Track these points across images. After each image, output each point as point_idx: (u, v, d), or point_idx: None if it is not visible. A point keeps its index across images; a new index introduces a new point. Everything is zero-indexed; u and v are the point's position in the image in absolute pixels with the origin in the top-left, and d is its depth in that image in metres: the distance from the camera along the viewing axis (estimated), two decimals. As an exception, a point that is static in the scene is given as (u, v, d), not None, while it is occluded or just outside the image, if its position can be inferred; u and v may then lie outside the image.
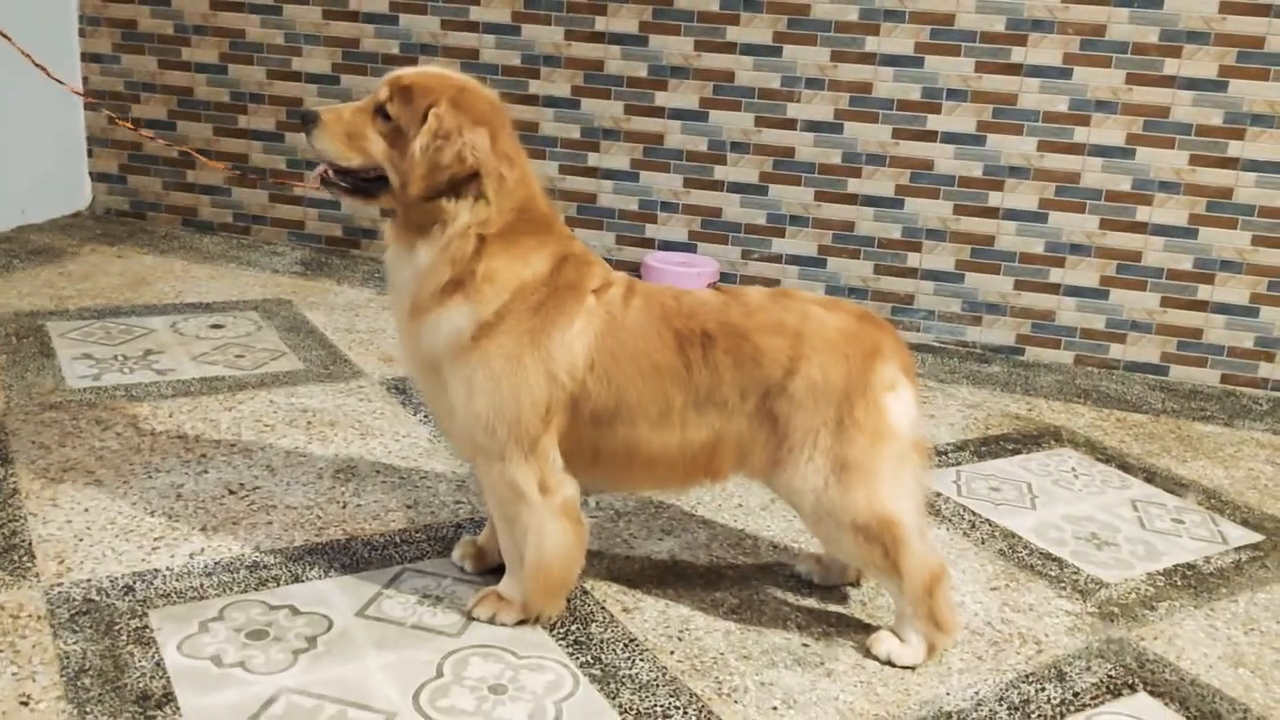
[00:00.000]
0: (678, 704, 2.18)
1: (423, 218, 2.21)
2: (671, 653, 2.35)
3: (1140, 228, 4.40)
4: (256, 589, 2.44)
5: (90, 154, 5.42)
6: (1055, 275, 4.52)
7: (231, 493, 2.86)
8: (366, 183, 2.26)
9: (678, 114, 4.72)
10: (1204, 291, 4.40)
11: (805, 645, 2.43)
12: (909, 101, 4.49)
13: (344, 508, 2.84)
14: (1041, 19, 4.28)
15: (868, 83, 4.51)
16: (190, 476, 2.92)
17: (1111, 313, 4.50)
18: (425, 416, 3.43)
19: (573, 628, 2.40)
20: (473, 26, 4.85)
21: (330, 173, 2.26)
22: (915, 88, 4.47)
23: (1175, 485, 3.45)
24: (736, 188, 4.73)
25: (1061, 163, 4.41)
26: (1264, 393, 4.40)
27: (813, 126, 4.60)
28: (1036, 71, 4.34)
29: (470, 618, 2.39)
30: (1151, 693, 2.36)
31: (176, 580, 2.44)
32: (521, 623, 2.38)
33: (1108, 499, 3.32)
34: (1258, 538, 3.14)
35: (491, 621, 2.37)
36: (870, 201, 4.60)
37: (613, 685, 2.21)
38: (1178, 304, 4.43)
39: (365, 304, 4.53)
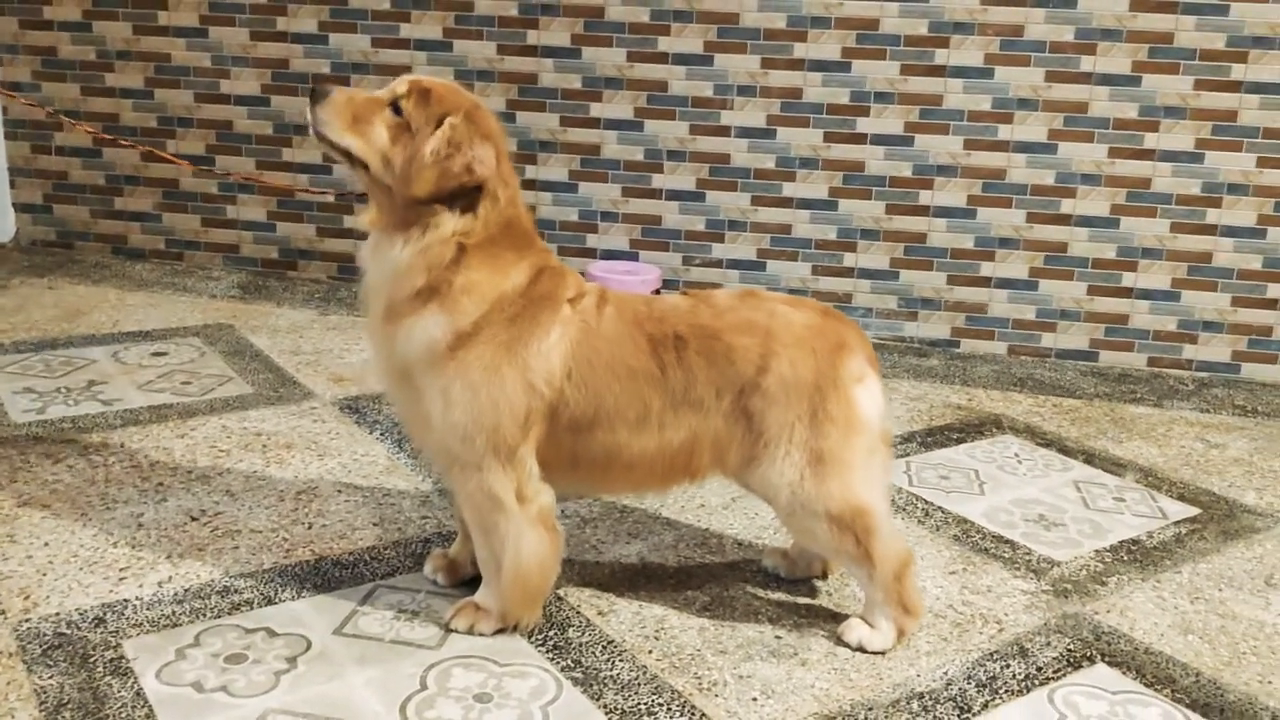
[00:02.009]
0: (660, 701, 2.22)
1: (409, 215, 2.23)
2: (649, 652, 2.39)
3: (1065, 220, 4.56)
4: (230, 613, 2.43)
5: (13, 185, 5.30)
6: (986, 269, 4.66)
7: (194, 519, 2.84)
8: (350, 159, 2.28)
9: (613, 124, 4.78)
10: (1128, 279, 4.57)
11: (778, 637, 2.49)
12: (839, 105, 4.60)
13: (309, 528, 2.83)
14: (962, 21, 4.42)
15: (798, 88, 4.61)
16: (149, 505, 2.89)
17: (1041, 303, 4.65)
18: (382, 434, 3.44)
19: (550, 633, 2.43)
20: (404, 44, 4.85)
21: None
22: (844, 92, 4.58)
23: (1113, 465, 3.59)
24: (675, 195, 4.80)
25: (987, 160, 4.55)
26: (1188, 373, 4.58)
27: (746, 133, 4.69)
28: (960, 72, 4.48)
29: (449, 629, 2.40)
30: (1109, 663, 2.46)
31: (147, 609, 2.42)
32: (500, 632, 2.40)
33: (1051, 482, 3.44)
34: (1194, 511, 3.28)
35: (470, 632, 2.39)
36: (805, 205, 4.70)
37: (595, 687, 2.25)
38: (1104, 292, 4.60)
39: (308, 325, 4.50)
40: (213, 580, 2.55)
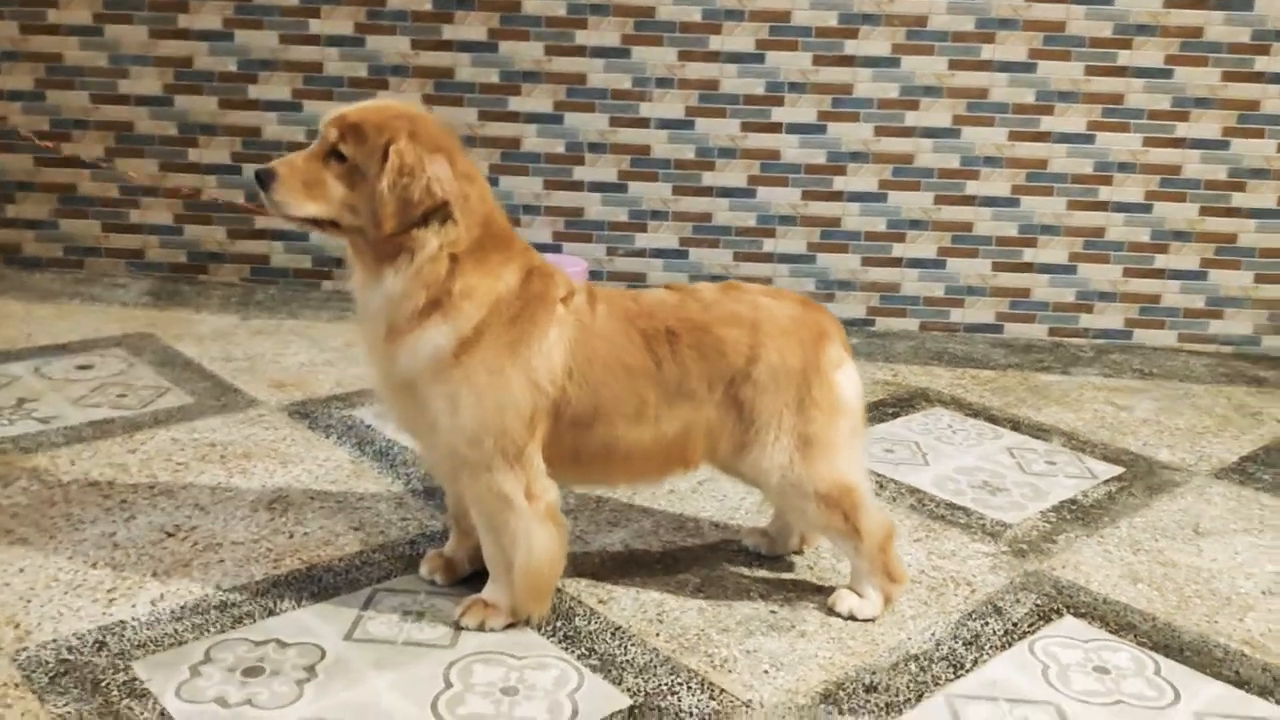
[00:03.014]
0: (679, 680, 2.30)
1: (390, 248, 2.24)
2: (657, 634, 2.47)
3: (970, 201, 4.80)
4: (234, 627, 2.40)
5: (-109, 194, 5.01)
6: (898, 250, 4.87)
7: (169, 535, 2.78)
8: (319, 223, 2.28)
9: (533, 118, 4.80)
10: (1029, 254, 4.85)
11: (773, 612, 2.60)
12: (754, 96, 4.73)
13: (291, 538, 2.81)
14: (870, 13, 4.61)
15: (715, 80, 4.72)
16: (119, 524, 2.82)
17: (950, 280, 4.89)
18: (339, 439, 3.41)
19: (558, 625, 2.48)
20: (314, 40, 4.77)
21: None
22: (759, 83, 4.71)
23: (1039, 431, 3.83)
24: (597, 187, 4.86)
25: (896, 145, 4.75)
26: (1087, 341, 4.89)
27: (666, 124, 4.78)
28: (869, 62, 4.66)
29: (459, 627, 2.44)
30: (1075, 614, 2.66)
31: (147, 629, 2.38)
32: (510, 626, 2.45)
33: (986, 449, 3.65)
34: (1119, 470, 3.54)
35: (481, 629, 2.43)
36: (725, 193, 4.83)
37: (614, 672, 2.32)
38: (1007, 268, 4.87)
39: (233, 331, 4.41)
40: (207, 595, 2.52)
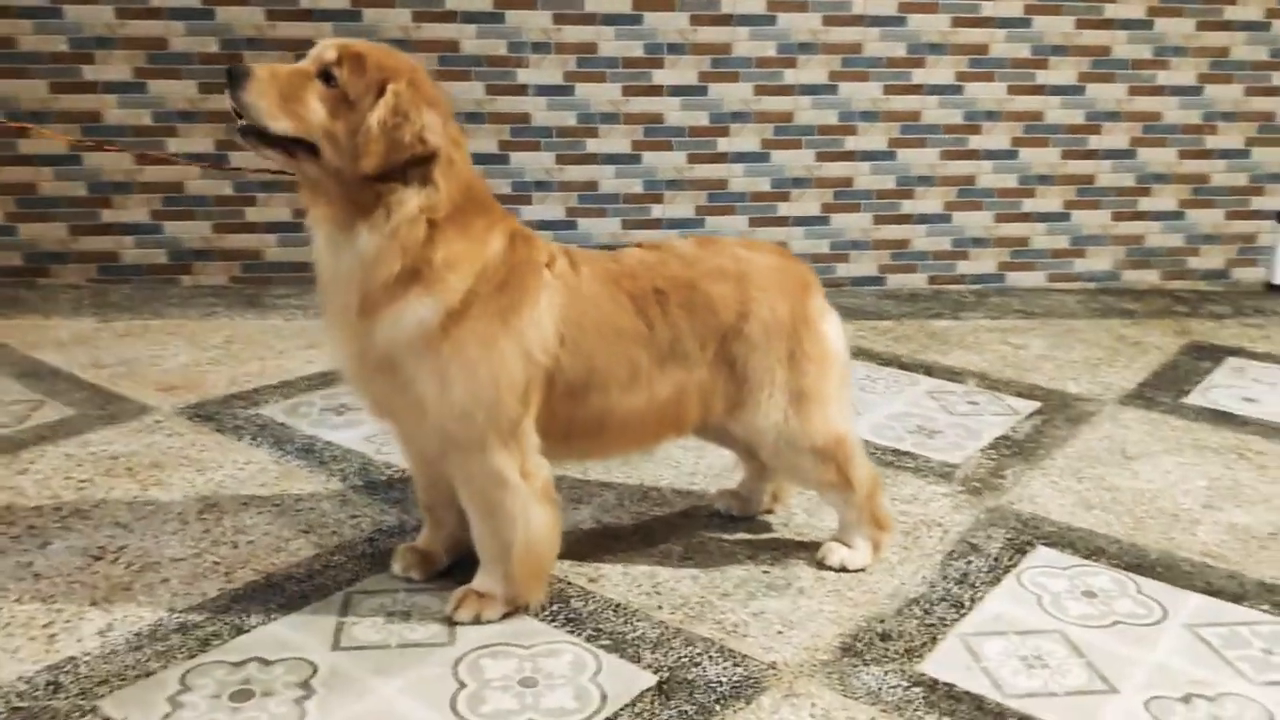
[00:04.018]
0: (697, 650, 2.22)
1: (365, 198, 2.05)
2: (659, 607, 2.38)
3: (850, 156, 4.86)
4: (203, 650, 2.17)
5: None
6: (783, 209, 4.89)
7: (96, 559, 2.49)
8: (288, 144, 2.06)
9: (543, 90, 4.57)
10: (907, 206, 4.96)
11: (765, 572, 2.54)
12: (633, 59, 4.64)
13: (235, 548, 2.57)
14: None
15: (592, 43, 4.60)
16: (33, 552, 2.51)
17: (834, 235, 4.95)
18: (254, 439, 3.15)
19: (556, 609, 2.35)
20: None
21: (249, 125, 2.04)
22: (637, 44, 4.63)
23: (951, 374, 3.91)
24: (478, 159, 4.63)
25: (776, 104, 4.76)
26: (965, 287, 5.05)
27: (545, 90, 4.63)
28: (745, 20, 4.64)
29: (453, 623, 2.27)
30: (1046, 545, 2.72)
31: (104, 663, 2.11)
32: (506, 616, 2.30)
33: (909, 395, 3.70)
34: (1037, 404, 3.65)
35: (477, 621, 2.27)
36: (610, 160, 4.73)
37: (629, 650, 2.21)
38: (886, 220, 4.97)
39: (94, 335, 4.02)
40: (161, 619, 2.26)
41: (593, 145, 4.69)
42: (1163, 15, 4.80)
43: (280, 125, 2.02)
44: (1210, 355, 4.20)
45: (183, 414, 3.33)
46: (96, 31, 4.33)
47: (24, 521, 2.65)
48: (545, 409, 2.23)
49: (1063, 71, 4.83)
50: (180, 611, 2.30)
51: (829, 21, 4.68)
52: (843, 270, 4.97)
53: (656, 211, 4.81)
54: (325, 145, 2.03)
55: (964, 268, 5.04)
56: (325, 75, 2.05)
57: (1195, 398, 3.75)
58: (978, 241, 5.02)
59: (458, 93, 4.58)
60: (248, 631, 2.24)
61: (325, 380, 3.63)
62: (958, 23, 4.73)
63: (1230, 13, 4.81)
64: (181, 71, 4.41)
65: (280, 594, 2.38)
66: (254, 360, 3.83)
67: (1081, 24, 4.78)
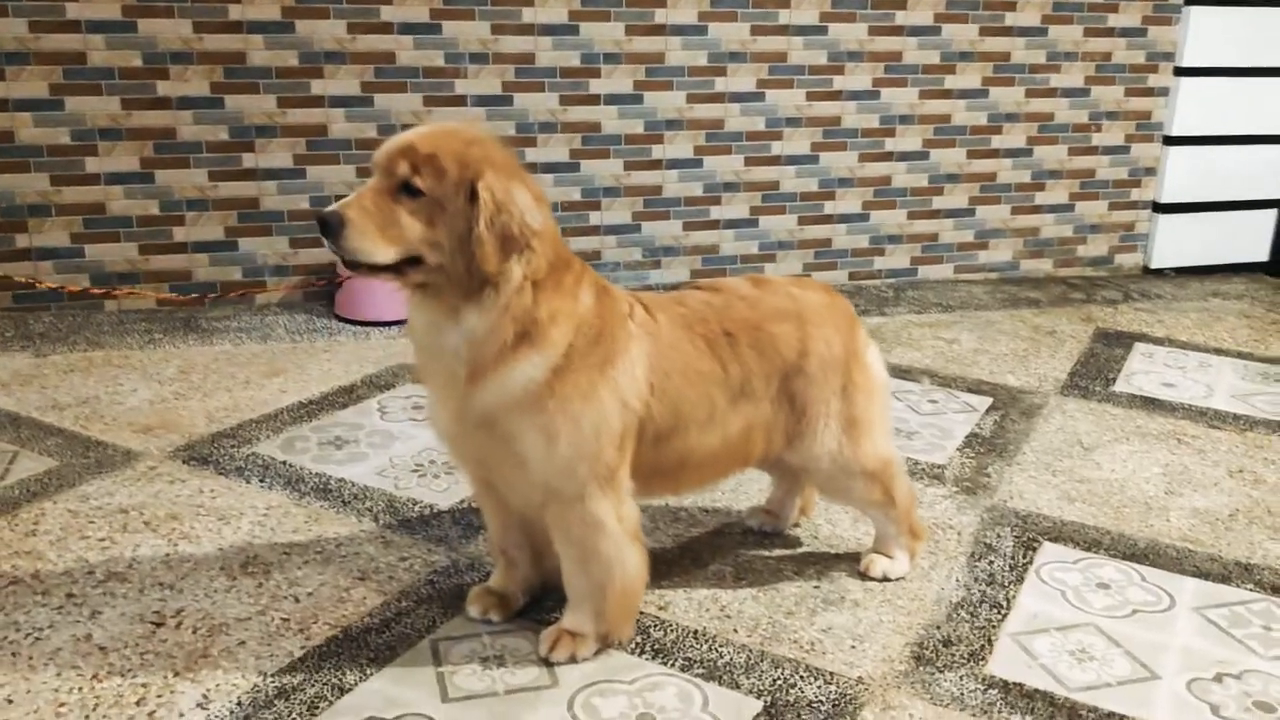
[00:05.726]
0: (787, 672, 2.35)
1: (473, 284, 2.08)
2: (735, 631, 2.49)
3: (776, 160, 5.04)
4: (313, 713, 2.16)
5: None
6: (715, 213, 5.04)
7: (158, 625, 2.42)
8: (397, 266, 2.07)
9: (339, 101, 4.47)
10: (829, 206, 5.18)
11: (816, 588, 2.69)
12: (571, 68, 4.67)
13: (298, 601, 2.54)
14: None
15: (530, 53, 4.61)
16: (85, 623, 2.42)
17: (762, 237, 5.13)
18: (264, 481, 3.09)
19: (639, 640, 2.44)
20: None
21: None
22: (575, 54, 4.66)
23: (901, 372, 4.15)
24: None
25: (708, 112, 4.89)
26: (882, 281, 5.33)
27: (483, 101, 4.62)
28: (678, 30, 4.74)
29: (549, 663, 2.33)
30: (1051, 540, 2.97)
31: (219, 739, 2.09)
32: (597, 652, 2.38)
33: (873, 397, 3.91)
34: (990, 400, 3.93)
35: (573, 660, 2.34)
36: (549, 168, 4.76)
37: (725, 677, 2.32)
38: (810, 220, 5.18)
39: (36, 373, 3.81)
40: (258, 684, 2.24)
41: (532, 154, 4.71)
42: (1055, 23, 5.15)
43: (387, 256, 2.04)
44: (1119, 342, 4.59)
45: (174, 457, 3.22)
46: (172, 47, 4.26)
47: (60, 589, 2.54)
48: (634, 456, 2.31)
49: (968, 76, 5.13)
50: (272, 675, 2.27)
51: (757, 31, 4.83)
52: (770, 269, 5.16)
53: (595, 218, 4.87)
54: (429, 253, 2.06)
55: (880, 263, 5.31)
56: (407, 188, 2.06)
57: (1122, 385, 4.11)
58: (893, 238, 5.29)
59: (395, 105, 4.51)
60: (350, 690, 2.24)
61: (308, 411, 3.57)
62: (874, 31, 4.95)
63: (1113, 20, 5.21)
64: (260, 85, 4.31)
65: (365, 647, 2.38)
66: (220, 392, 3.72)
67: (985, 31, 5.09)
